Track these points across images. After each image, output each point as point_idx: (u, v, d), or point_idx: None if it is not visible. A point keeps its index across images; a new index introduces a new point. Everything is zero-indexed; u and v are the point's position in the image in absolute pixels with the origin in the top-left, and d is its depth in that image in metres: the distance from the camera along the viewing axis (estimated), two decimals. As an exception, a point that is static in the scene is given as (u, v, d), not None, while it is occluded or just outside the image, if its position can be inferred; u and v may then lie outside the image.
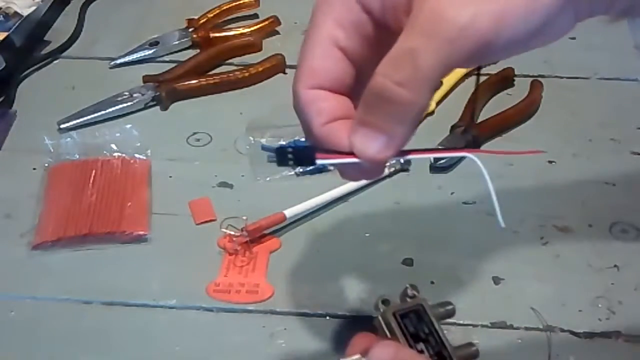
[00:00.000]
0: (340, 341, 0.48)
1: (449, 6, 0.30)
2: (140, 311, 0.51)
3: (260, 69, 0.73)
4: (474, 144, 0.62)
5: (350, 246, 0.55)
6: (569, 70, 0.72)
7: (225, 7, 0.81)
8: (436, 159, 0.60)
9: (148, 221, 0.57)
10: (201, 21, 0.80)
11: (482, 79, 0.69)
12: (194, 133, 0.66)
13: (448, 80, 0.69)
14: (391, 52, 0.31)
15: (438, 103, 0.68)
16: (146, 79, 0.72)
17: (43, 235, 0.56)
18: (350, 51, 0.34)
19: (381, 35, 0.34)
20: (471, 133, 0.63)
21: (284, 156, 0.33)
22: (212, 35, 0.78)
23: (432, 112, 0.67)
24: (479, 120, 0.65)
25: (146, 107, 0.70)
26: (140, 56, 0.76)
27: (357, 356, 0.37)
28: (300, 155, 0.34)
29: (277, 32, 0.80)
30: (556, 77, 0.72)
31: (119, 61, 0.76)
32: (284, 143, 0.63)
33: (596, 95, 0.70)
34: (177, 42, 0.78)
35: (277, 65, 0.73)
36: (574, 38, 0.73)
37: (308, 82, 0.34)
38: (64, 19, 0.83)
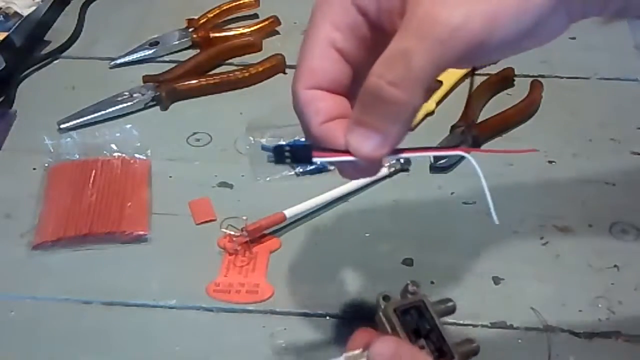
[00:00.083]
0: (340, 341, 0.48)
1: (441, 8, 0.30)
2: (140, 311, 0.51)
3: (260, 69, 0.73)
4: (474, 144, 0.62)
5: (350, 246, 0.55)
6: (569, 70, 0.72)
7: (225, 7, 0.81)
8: (436, 159, 0.60)
9: (148, 221, 0.57)
10: (201, 21, 0.80)
11: (482, 79, 0.69)
12: (194, 133, 0.66)
13: (448, 80, 0.69)
14: (385, 53, 0.32)
15: (438, 103, 0.68)
16: (146, 79, 0.72)
17: (43, 235, 0.56)
18: (347, 52, 0.35)
19: (377, 36, 0.35)
20: (471, 133, 0.63)
21: (281, 154, 0.34)
22: (212, 35, 0.78)
23: (432, 112, 0.67)
24: (479, 120, 0.65)
25: (146, 107, 0.70)
26: (140, 56, 0.76)
27: (359, 351, 0.37)
28: (298, 153, 0.34)
29: (277, 32, 0.80)
30: (556, 77, 0.72)
31: (119, 61, 0.76)
32: (283, 143, 0.63)
33: (596, 95, 0.70)
34: (177, 42, 0.78)
35: (277, 65, 0.73)
36: (573, 38, 0.73)
37: (306, 82, 0.35)
38: (64, 19, 0.84)
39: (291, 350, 0.48)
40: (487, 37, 0.31)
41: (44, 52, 0.78)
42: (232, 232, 0.55)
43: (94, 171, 0.61)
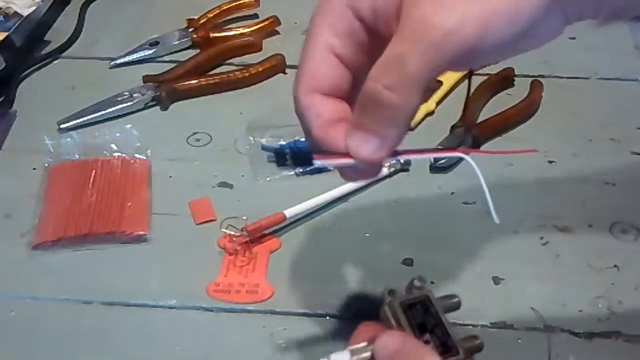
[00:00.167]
0: (340, 341, 0.48)
1: (435, 12, 0.31)
2: (140, 311, 0.51)
3: (260, 69, 0.73)
4: (474, 144, 0.62)
5: (350, 246, 0.55)
6: (569, 70, 0.72)
7: (225, 7, 0.81)
8: (436, 159, 0.61)
9: (148, 221, 0.57)
10: (201, 21, 0.80)
11: (482, 79, 0.69)
12: (194, 133, 0.66)
13: (448, 81, 0.69)
14: (381, 57, 0.32)
15: (438, 103, 0.68)
16: (146, 79, 0.72)
17: (43, 235, 0.56)
18: (346, 57, 0.36)
19: (374, 41, 0.35)
20: (471, 133, 0.63)
21: (282, 157, 0.35)
22: (212, 35, 0.78)
23: (432, 112, 0.67)
24: (479, 120, 0.65)
25: (146, 107, 0.70)
26: (140, 56, 0.76)
27: (364, 344, 0.37)
28: (299, 156, 0.35)
29: (277, 32, 0.80)
30: (556, 77, 0.72)
31: (119, 61, 0.76)
32: (283, 143, 0.63)
33: (596, 95, 0.70)
34: (177, 42, 0.78)
35: (277, 65, 0.73)
36: (573, 38, 0.73)
37: (307, 87, 0.36)
38: (64, 19, 0.84)
39: (291, 350, 0.48)
40: (481, 40, 0.31)
41: (44, 52, 0.78)
42: (232, 232, 0.55)
43: (94, 171, 0.61)
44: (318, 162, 0.35)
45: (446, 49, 0.31)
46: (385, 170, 0.60)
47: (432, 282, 0.52)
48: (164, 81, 0.71)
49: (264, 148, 0.63)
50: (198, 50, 0.77)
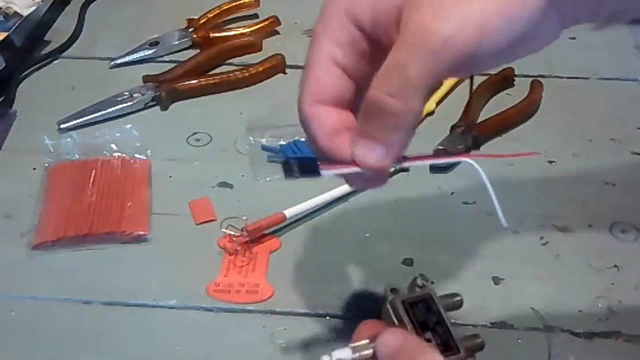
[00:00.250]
0: (340, 341, 0.48)
1: (434, 19, 0.31)
2: (140, 311, 0.51)
3: (260, 69, 0.73)
4: (474, 144, 0.62)
5: (350, 246, 0.55)
6: (569, 70, 0.72)
7: (225, 7, 0.81)
8: (436, 159, 0.60)
9: (148, 221, 0.57)
10: (201, 21, 0.80)
11: (482, 79, 0.69)
12: (194, 133, 0.67)
13: (448, 81, 0.69)
14: (383, 65, 0.33)
15: (438, 103, 0.68)
16: (146, 79, 0.72)
17: (43, 235, 0.56)
18: (348, 68, 0.36)
19: (376, 51, 0.36)
20: (471, 133, 0.63)
21: (289, 168, 0.36)
22: (212, 35, 0.78)
23: (432, 112, 0.67)
24: (479, 120, 0.65)
25: (146, 107, 0.70)
26: (140, 56, 0.76)
27: (366, 341, 0.37)
28: (305, 167, 0.35)
29: (277, 32, 0.80)
30: (556, 77, 0.72)
31: (119, 61, 0.76)
32: (283, 143, 0.63)
33: (596, 95, 0.70)
34: (177, 42, 0.78)
35: (277, 65, 0.73)
36: (574, 38, 0.73)
37: (311, 98, 0.36)
38: (64, 19, 0.84)
39: (291, 350, 0.48)
40: (480, 46, 0.31)
41: (44, 52, 0.78)
42: (232, 232, 0.55)
43: (94, 171, 0.61)
44: (325, 172, 0.36)
45: (446, 55, 0.31)
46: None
47: (432, 282, 0.52)
48: (164, 81, 0.71)
49: (264, 148, 0.63)
50: (198, 50, 0.77)
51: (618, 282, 0.52)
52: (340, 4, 0.35)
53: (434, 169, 0.61)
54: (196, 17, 0.80)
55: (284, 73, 0.74)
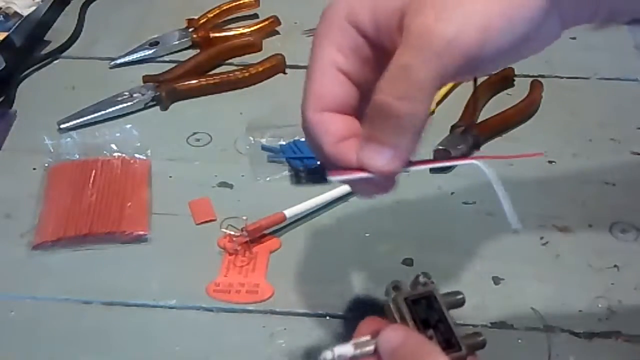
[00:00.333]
0: (340, 341, 0.48)
1: (437, 21, 0.31)
2: (140, 311, 0.51)
3: (260, 69, 0.73)
4: (474, 144, 0.62)
5: (350, 246, 0.55)
6: (569, 70, 0.72)
7: (225, 7, 0.81)
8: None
9: (148, 221, 0.57)
10: (201, 21, 0.80)
11: (482, 79, 0.69)
12: (194, 133, 0.67)
13: (448, 80, 0.69)
14: (387, 69, 0.33)
15: (438, 103, 0.68)
16: (146, 79, 0.72)
17: (43, 235, 0.56)
18: (352, 73, 0.36)
19: (379, 56, 0.35)
20: (471, 133, 0.63)
21: (298, 176, 0.35)
22: (212, 35, 0.78)
23: (432, 112, 0.67)
24: (479, 120, 0.65)
25: (146, 107, 0.70)
26: (140, 56, 0.76)
27: (367, 338, 0.37)
28: (313, 174, 0.35)
29: (277, 32, 0.80)
30: (556, 77, 0.72)
31: (119, 61, 0.76)
32: (283, 143, 0.63)
33: (596, 95, 0.70)
34: (177, 42, 0.78)
35: (277, 65, 0.73)
36: (574, 38, 0.73)
37: (315, 106, 0.36)
38: (64, 19, 0.84)
39: (291, 350, 0.48)
40: (483, 47, 0.31)
41: (44, 52, 0.78)
42: (232, 232, 0.55)
43: (94, 171, 0.61)
44: (332, 178, 0.35)
45: (450, 57, 0.31)
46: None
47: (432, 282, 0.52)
48: (164, 81, 0.71)
49: (264, 148, 0.63)
50: (198, 50, 0.77)
51: (618, 282, 0.52)
52: (340, 10, 0.35)
53: (434, 169, 0.61)
54: (196, 17, 0.80)
55: (284, 73, 0.74)
